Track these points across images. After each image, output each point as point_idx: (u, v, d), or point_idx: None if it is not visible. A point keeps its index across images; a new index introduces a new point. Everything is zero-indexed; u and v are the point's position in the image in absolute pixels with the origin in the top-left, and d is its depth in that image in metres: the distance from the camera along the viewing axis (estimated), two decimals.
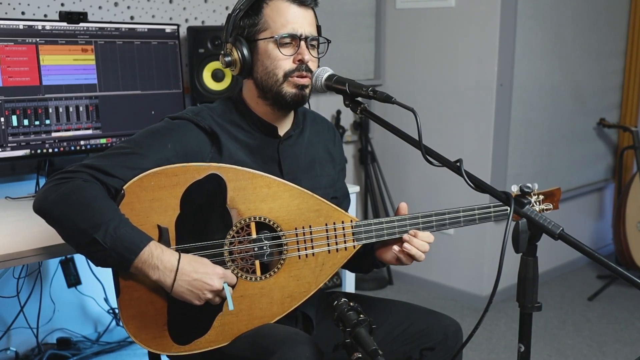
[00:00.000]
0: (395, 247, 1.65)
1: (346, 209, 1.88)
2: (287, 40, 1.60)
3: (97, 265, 1.46)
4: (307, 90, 1.64)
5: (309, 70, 1.62)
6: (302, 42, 1.61)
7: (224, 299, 1.51)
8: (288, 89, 1.61)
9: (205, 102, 1.75)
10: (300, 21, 1.61)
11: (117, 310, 2.86)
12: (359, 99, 1.55)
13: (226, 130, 1.64)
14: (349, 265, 1.82)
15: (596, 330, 3.37)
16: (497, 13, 3.35)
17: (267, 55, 1.61)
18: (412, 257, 1.64)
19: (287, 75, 1.61)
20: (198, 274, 1.45)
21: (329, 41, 1.68)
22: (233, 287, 1.53)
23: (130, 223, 1.43)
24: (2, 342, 2.61)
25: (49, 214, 1.45)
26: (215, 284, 1.47)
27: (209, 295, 1.48)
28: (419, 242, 1.63)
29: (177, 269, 1.44)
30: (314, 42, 1.65)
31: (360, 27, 3.80)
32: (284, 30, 1.59)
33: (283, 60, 1.60)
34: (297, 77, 1.61)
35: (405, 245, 1.62)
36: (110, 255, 1.40)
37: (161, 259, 1.43)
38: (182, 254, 1.46)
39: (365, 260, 1.77)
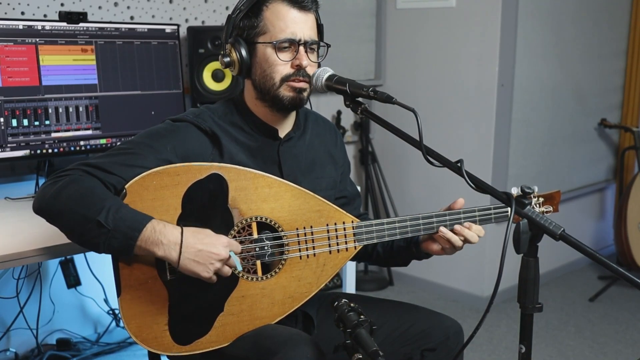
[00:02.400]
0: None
1: (358, 208, 1.88)
2: (286, 45, 1.60)
3: (101, 252, 1.44)
4: (305, 94, 1.64)
5: (306, 75, 1.61)
6: (301, 47, 1.60)
7: (232, 267, 1.50)
8: (285, 93, 1.61)
9: (206, 103, 1.74)
10: (300, 25, 1.60)
11: (117, 311, 2.85)
12: (360, 99, 1.55)
13: (227, 132, 1.64)
14: (385, 261, 1.84)
15: (597, 331, 3.36)
16: (498, 13, 3.34)
17: (265, 59, 1.60)
18: (452, 245, 1.65)
19: (284, 80, 1.60)
20: (203, 244, 1.45)
21: (328, 45, 1.68)
22: (239, 254, 1.52)
23: (130, 207, 1.44)
24: (2, 343, 2.61)
25: (49, 210, 1.45)
26: (221, 252, 1.46)
27: (218, 265, 1.46)
28: (470, 232, 1.66)
29: (182, 241, 1.43)
30: (314, 46, 1.64)
31: (361, 27, 3.80)
32: (282, 35, 1.59)
33: (280, 65, 1.60)
34: (294, 81, 1.60)
35: (442, 229, 1.65)
36: (114, 236, 1.40)
37: (164, 234, 1.42)
38: (184, 227, 1.46)
39: (407, 253, 1.78)
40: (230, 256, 1.47)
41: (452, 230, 1.66)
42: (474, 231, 1.67)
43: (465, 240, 1.66)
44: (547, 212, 1.81)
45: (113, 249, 1.43)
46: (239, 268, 1.50)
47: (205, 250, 1.45)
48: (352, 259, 1.77)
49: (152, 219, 1.43)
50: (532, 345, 1.32)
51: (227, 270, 1.49)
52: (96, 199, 1.41)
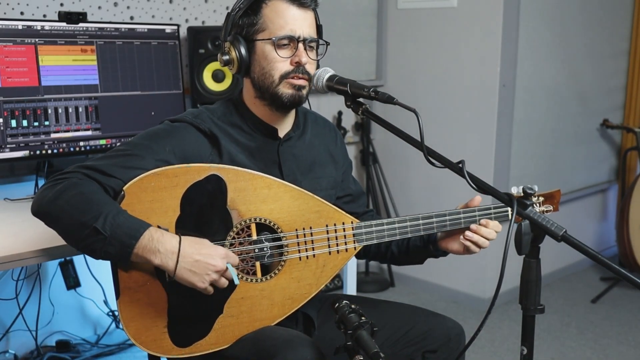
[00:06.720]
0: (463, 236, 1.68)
1: (363, 205, 1.89)
2: (285, 42, 1.59)
3: (98, 258, 1.44)
4: (304, 91, 1.63)
5: (306, 72, 1.60)
6: (300, 44, 1.59)
7: (228, 279, 1.48)
8: (284, 90, 1.60)
9: (206, 103, 1.74)
10: (299, 22, 1.60)
11: (116, 313, 2.85)
12: (361, 99, 1.54)
13: (226, 133, 1.63)
14: (400, 260, 1.85)
15: (599, 333, 3.35)
16: (499, 13, 3.33)
17: (264, 57, 1.60)
18: (477, 245, 1.68)
19: (284, 77, 1.60)
20: (200, 255, 1.44)
21: (327, 43, 1.67)
22: (236, 267, 1.52)
23: (128, 213, 1.42)
24: (1, 344, 2.60)
25: (47, 213, 1.44)
26: (218, 263, 1.45)
27: (214, 276, 1.45)
28: (487, 231, 1.67)
29: (179, 251, 1.42)
30: (313, 44, 1.64)
31: (362, 27, 3.79)
32: (281, 32, 1.58)
33: (280, 62, 1.59)
34: (293, 78, 1.60)
35: (467, 233, 1.66)
36: (111, 243, 1.38)
37: (162, 242, 1.41)
38: (182, 237, 1.45)
39: (424, 252, 1.79)
40: (227, 268, 1.46)
41: (470, 230, 1.67)
42: (492, 227, 1.69)
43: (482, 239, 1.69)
44: (547, 211, 1.80)
45: (110, 255, 1.42)
46: (236, 282, 1.48)
47: (202, 260, 1.44)
48: (364, 259, 1.84)
49: (150, 227, 1.42)
50: (533, 346, 1.32)
51: (223, 282, 1.48)
52: (94, 205, 1.39)
